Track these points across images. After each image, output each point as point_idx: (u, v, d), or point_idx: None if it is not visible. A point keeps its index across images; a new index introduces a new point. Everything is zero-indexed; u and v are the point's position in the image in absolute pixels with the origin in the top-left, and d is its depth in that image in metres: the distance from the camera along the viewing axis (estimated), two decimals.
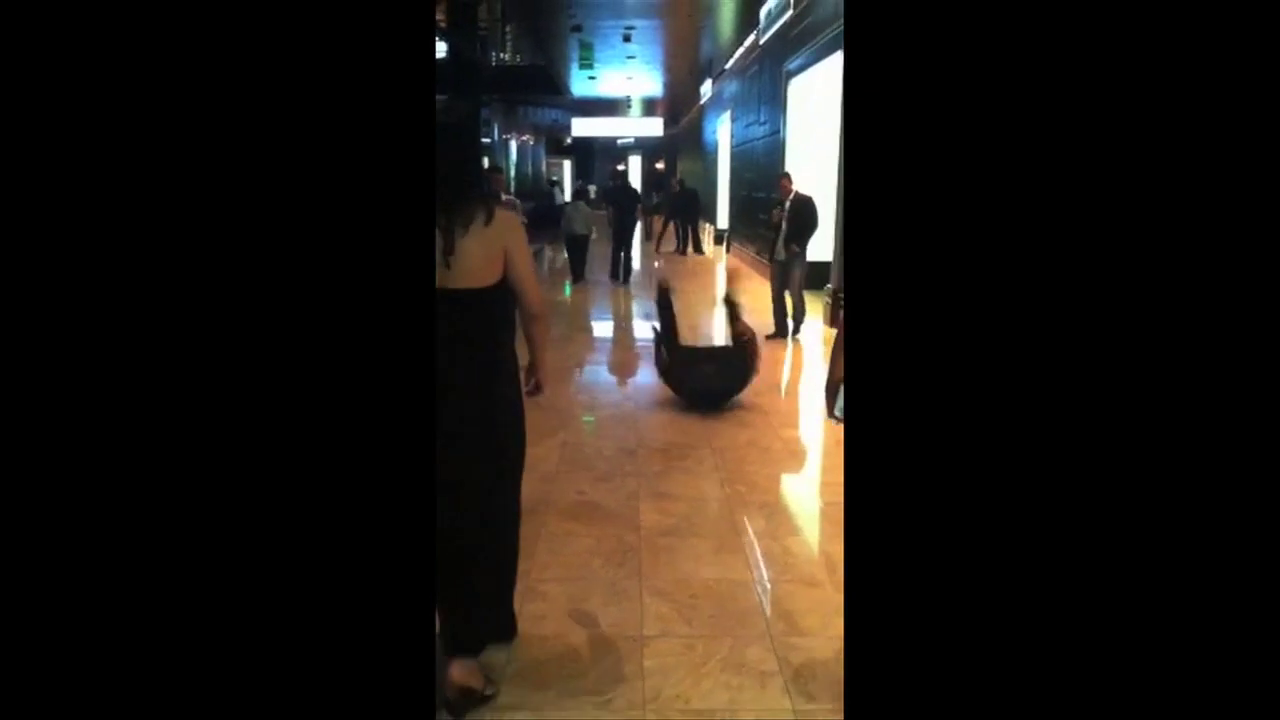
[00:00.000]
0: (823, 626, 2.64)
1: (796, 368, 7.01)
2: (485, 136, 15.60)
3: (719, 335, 6.80)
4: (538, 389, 2.42)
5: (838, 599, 2.82)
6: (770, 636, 2.58)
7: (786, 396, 6.10)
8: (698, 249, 16.52)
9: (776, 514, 3.64)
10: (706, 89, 20.34)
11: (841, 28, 7.99)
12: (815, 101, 10.28)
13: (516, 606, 2.60)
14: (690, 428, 4.87)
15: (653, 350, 5.35)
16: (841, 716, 2.17)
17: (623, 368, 6.73)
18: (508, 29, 16.07)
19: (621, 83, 22.72)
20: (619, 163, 28.63)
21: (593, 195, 14.83)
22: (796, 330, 7.73)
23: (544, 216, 16.58)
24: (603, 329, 8.86)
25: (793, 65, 10.63)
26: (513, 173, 19.59)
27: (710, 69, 19.14)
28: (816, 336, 7.87)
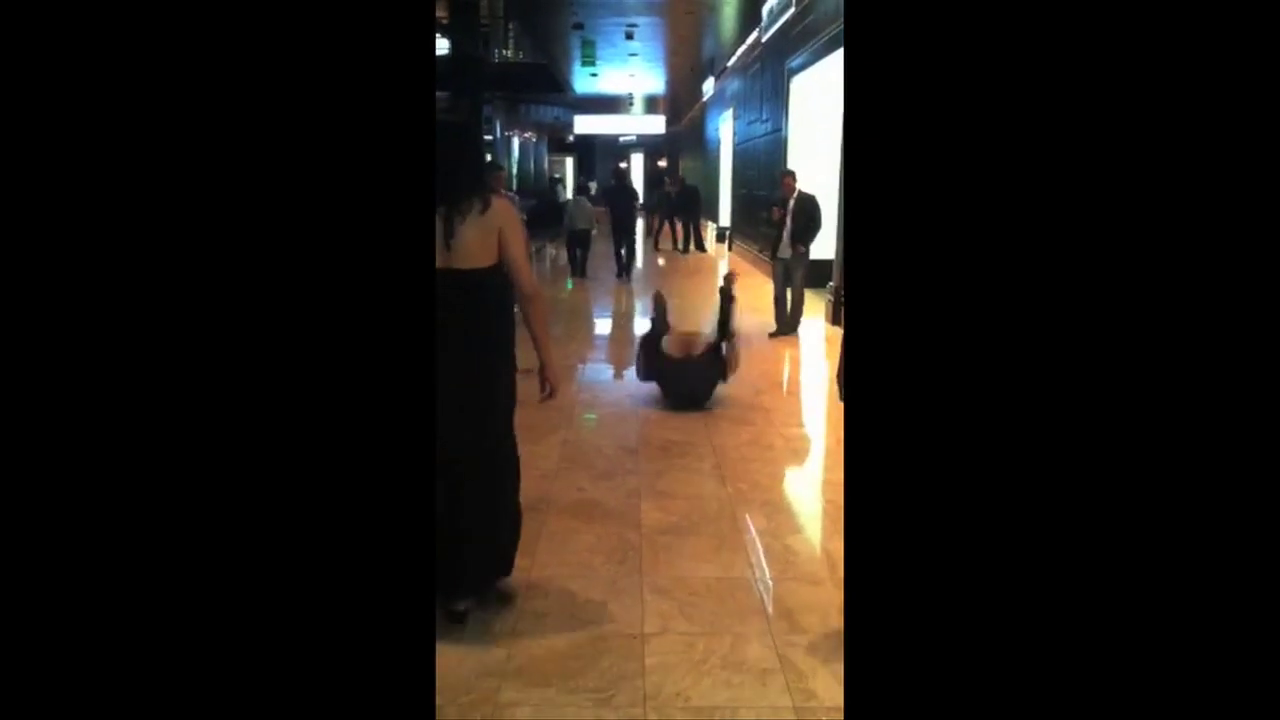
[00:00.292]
0: (824, 624, 2.64)
1: (798, 366, 7.01)
2: (487, 134, 15.61)
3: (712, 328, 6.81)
4: (551, 394, 2.64)
5: (839, 597, 2.82)
6: (771, 634, 2.58)
7: (788, 395, 6.11)
8: (699, 247, 16.52)
9: (777, 512, 3.64)
10: (708, 87, 20.32)
11: (841, 26, 7.98)
12: (818, 99, 10.27)
13: (519, 603, 2.67)
14: (691, 425, 4.87)
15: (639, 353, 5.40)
16: (842, 715, 2.18)
17: (623, 364, 6.74)
18: (509, 26, 16.07)
19: (623, 80, 22.72)
20: (621, 160, 28.65)
21: (593, 191, 14.85)
22: (794, 329, 7.72)
23: (546, 213, 16.56)
24: (604, 325, 8.86)
25: (795, 63, 10.62)
26: (514, 170, 19.61)
27: (712, 67, 19.13)
28: (819, 334, 7.87)
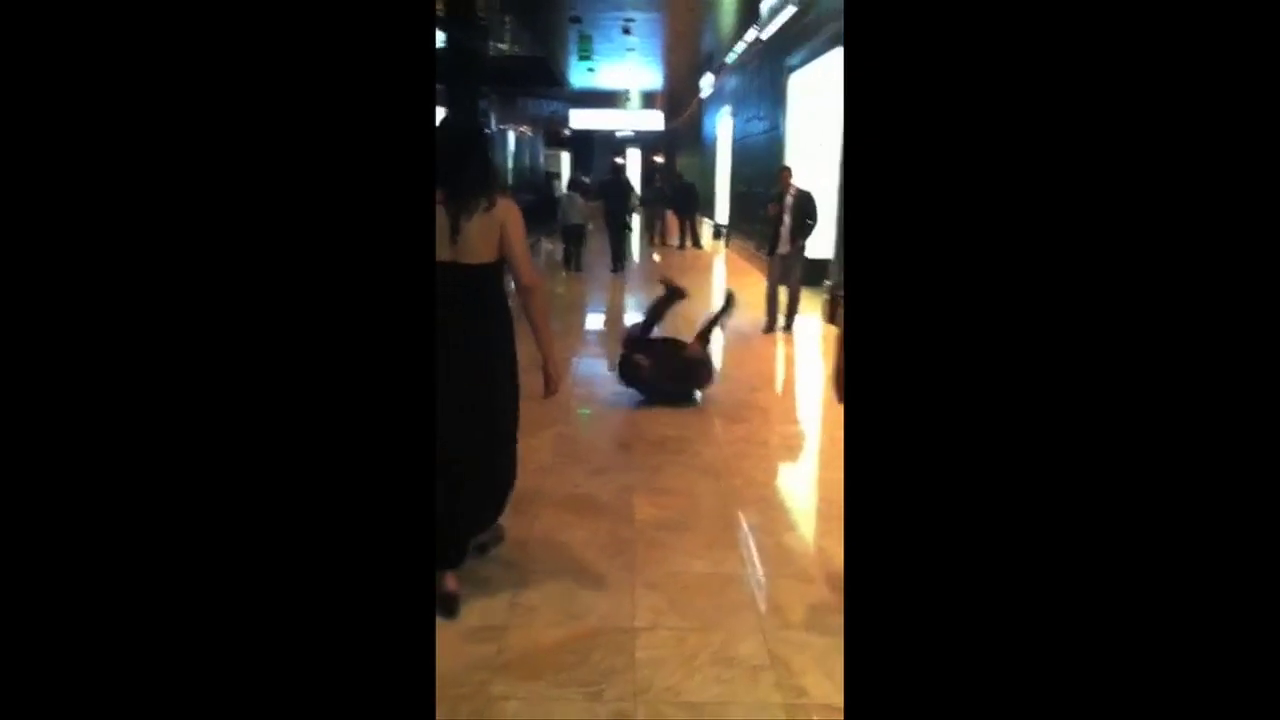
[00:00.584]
0: (815, 621, 2.65)
1: (792, 363, 7.02)
2: (484, 127, 15.56)
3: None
4: (553, 390, 2.76)
5: (831, 595, 2.83)
6: (763, 631, 2.58)
7: (782, 392, 6.11)
8: (696, 243, 16.52)
9: (771, 509, 3.64)
10: (706, 83, 20.30)
11: (843, 24, 7.98)
12: (816, 97, 10.27)
13: (510, 597, 2.70)
14: (686, 421, 4.87)
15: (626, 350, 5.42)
16: (831, 711, 2.18)
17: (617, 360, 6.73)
18: (506, 20, 16.01)
19: (621, 75, 22.70)
20: (618, 155, 28.61)
21: (588, 183, 14.87)
22: (789, 325, 7.72)
23: (542, 209, 16.54)
24: (599, 320, 8.85)
25: (793, 61, 10.62)
26: (510, 164, 19.55)
27: (710, 63, 19.11)
28: (815, 333, 7.87)
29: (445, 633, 2.48)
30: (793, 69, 10.73)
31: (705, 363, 5.32)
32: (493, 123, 16.42)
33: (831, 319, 8.09)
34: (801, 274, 7.63)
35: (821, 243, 8.85)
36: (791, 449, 4.63)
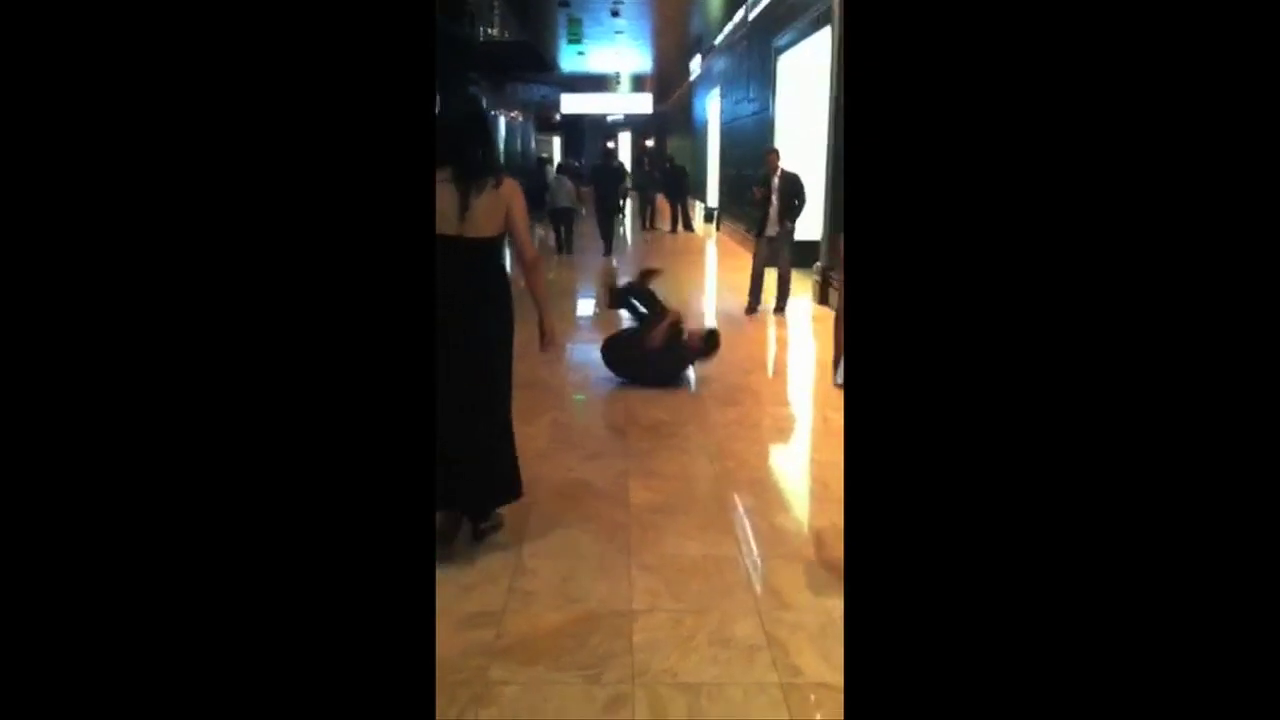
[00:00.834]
0: (810, 601, 2.67)
1: (785, 345, 7.03)
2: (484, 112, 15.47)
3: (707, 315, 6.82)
4: (550, 344, 3.09)
5: (825, 574, 2.85)
6: (758, 611, 2.61)
7: (775, 375, 6.13)
8: (687, 227, 16.49)
9: (765, 491, 3.67)
10: (695, 65, 20.20)
11: (829, 3, 7.94)
12: (805, 78, 10.23)
13: (508, 582, 2.72)
14: (679, 405, 4.89)
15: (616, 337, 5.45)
16: (827, 690, 2.21)
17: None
18: (495, 4, 15.89)
19: (610, 59, 22.56)
20: (609, 139, 28.46)
21: (579, 166, 14.87)
22: (781, 308, 7.71)
23: (535, 193, 16.46)
24: (590, 305, 8.84)
25: (782, 42, 10.57)
26: (502, 149, 19.45)
27: (699, 45, 19.01)
28: (805, 314, 7.88)
29: (443, 619, 2.50)
30: (781, 50, 10.68)
31: (673, 351, 5.31)
32: (483, 107, 16.31)
33: (822, 300, 8.09)
34: (790, 256, 7.62)
35: (810, 224, 8.85)
36: (784, 431, 4.65)
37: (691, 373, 5.49)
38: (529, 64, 17.99)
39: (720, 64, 16.49)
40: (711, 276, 11.19)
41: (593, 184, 13.07)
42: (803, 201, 7.45)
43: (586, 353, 5.96)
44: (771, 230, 7.52)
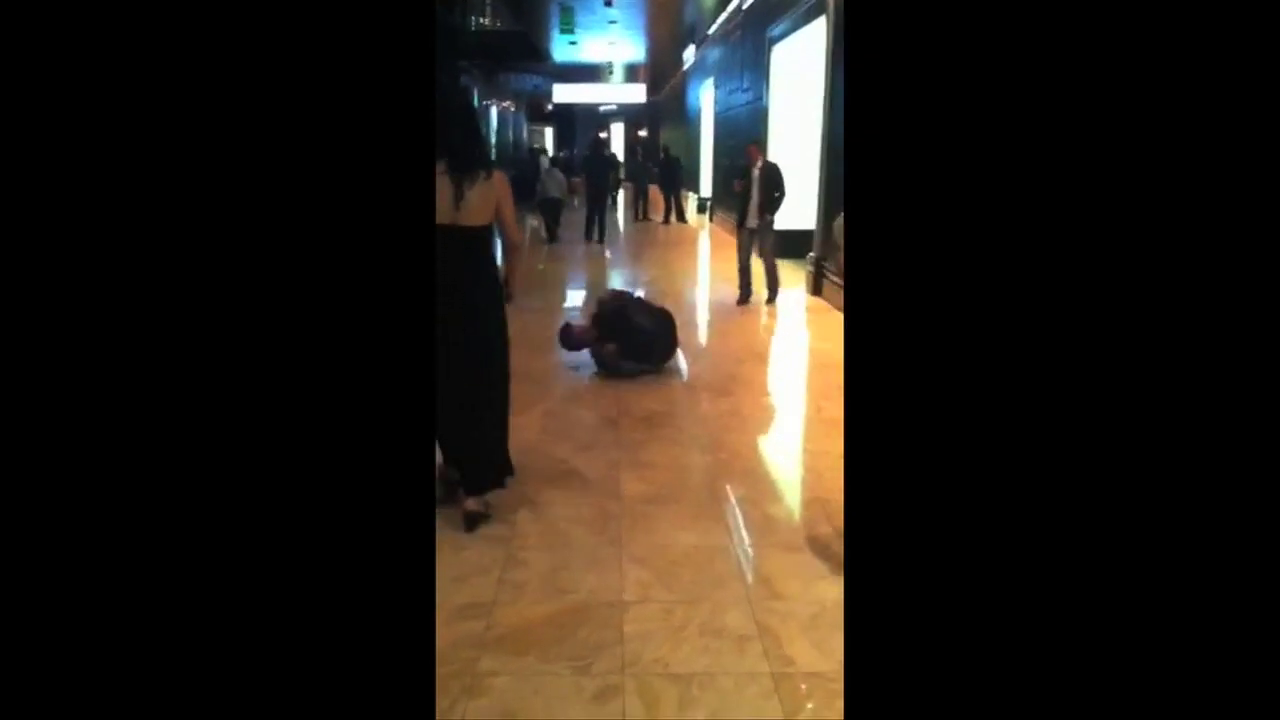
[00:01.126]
0: (801, 591, 2.67)
1: (778, 336, 7.03)
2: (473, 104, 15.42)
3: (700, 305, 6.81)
4: (509, 297, 3.35)
5: (816, 564, 2.85)
6: (749, 601, 2.60)
7: (767, 366, 6.12)
8: (681, 217, 16.45)
9: (756, 481, 3.66)
10: (689, 55, 20.14)
11: None
12: (799, 68, 10.20)
13: (498, 574, 2.72)
14: (672, 396, 4.88)
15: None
16: (819, 679, 2.21)
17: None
18: None
19: (603, 48, 22.47)
20: (602, 129, 28.38)
21: (570, 157, 14.94)
22: (772, 298, 7.70)
23: (528, 184, 16.43)
24: (579, 295, 8.82)
25: (776, 31, 10.54)
26: (494, 140, 19.38)
27: (693, 34, 18.95)
28: (799, 305, 7.88)
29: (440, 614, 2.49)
30: (775, 40, 10.65)
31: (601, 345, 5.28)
32: (476, 98, 16.25)
33: (815, 291, 8.09)
34: (773, 246, 7.60)
35: (803, 214, 8.84)
36: (776, 421, 4.65)
37: (684, 363, 5.47)
38: (521, 54, 17.93)
39: (714, 54, 16.43)
40: (704, 267, 11.18)
41: (583, 174, 13.19)
42: (783, 193, 7.42)
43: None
44: (752, 222, 7.50)
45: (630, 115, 33.66)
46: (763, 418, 4.60)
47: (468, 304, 3.05)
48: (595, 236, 12.68)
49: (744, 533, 3.12)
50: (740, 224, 7.63)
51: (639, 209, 17.17)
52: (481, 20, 15.98)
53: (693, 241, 13.78)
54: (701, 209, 18.22)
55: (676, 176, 16.70)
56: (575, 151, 24.03)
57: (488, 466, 3.22)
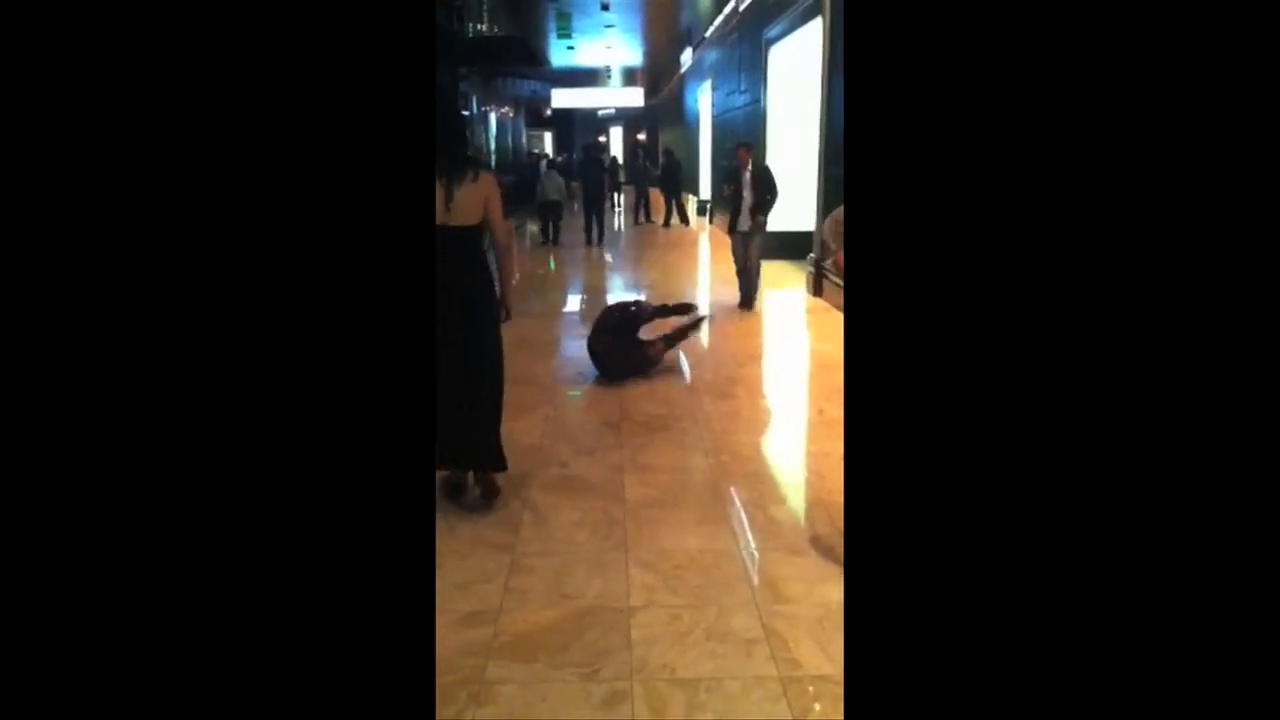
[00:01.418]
0: (807, 593, 2.66)
1: (780, 337, 7.02)
2: (464, 109, 15.42)
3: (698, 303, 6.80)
4: (506, 316, 3.40)
5: (822, 566, 2.84)
6: (756, 605, 2.60)
7: (769, 367, 6.12)
8: (683, 219, 16.44)
9: (760, 483, 3.65)
10: (686, 58, 20.14)
11: None
12: (796, 69, 10.20)
13: (503, 582, 2.72)
14: (673, 399, 4.88)
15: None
16: (826, 683, 2.20)
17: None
18: None
19: (600, 52, 22.50)
20: (600, 134, 28.40)
21: (568, 159, 15.05)
22: (750, 303, 7.62)
23: (528, 188, 16.41)
24: (576, 288, 8.82)
25: (772, 33, 10.54)
26: (493, 145, 19.38)
27: (690, 37, 18.95)
28: (800, 306, 7.87)
29: (439, 618, 2.48)
30: (772, 41, 10.65)
31: (656, 361, 5.39)
32: (474, 104, 16.26)
33: (815, 291, 8.08)
34: (760, 250, 7.56)
35: (802, 214, 8.84)
36: (778, 423, 4.64)
37: (685, 366, 5.47)
38: (519, 59, 17.91)
39: (711, 56, 16.44)
40: (704, 269, 11.18)
41: (580, 177, 13.31)
42: (774, 195, 7.39)
43: (577, 349, 5.92)
44: (743, 225, 7.46)
45: (629, 119, 33.66)
46: (764, 420, 4.59)
47: (462, 302, 3.14)
48: (594, 239, 12.79)
49: (748, 536, 3.12)
50: (732, 228, 7.58)
51: (640, 211, 17.17)
52: (479, 26, 15.99)
53: (692, 244, 13.77)
54: (701, 211, 18.21)
55: (677, 179, 16.69)
56: (574, 155, 24.04)
57: (485, 458, 3.34)
